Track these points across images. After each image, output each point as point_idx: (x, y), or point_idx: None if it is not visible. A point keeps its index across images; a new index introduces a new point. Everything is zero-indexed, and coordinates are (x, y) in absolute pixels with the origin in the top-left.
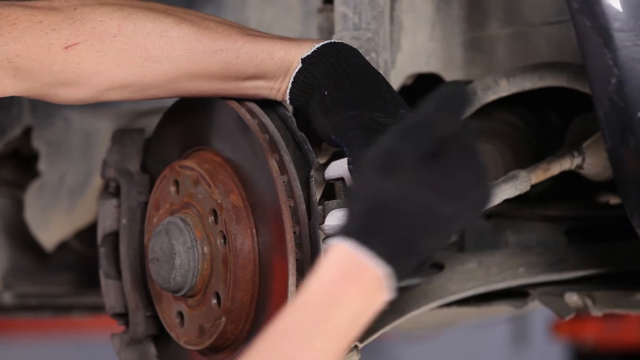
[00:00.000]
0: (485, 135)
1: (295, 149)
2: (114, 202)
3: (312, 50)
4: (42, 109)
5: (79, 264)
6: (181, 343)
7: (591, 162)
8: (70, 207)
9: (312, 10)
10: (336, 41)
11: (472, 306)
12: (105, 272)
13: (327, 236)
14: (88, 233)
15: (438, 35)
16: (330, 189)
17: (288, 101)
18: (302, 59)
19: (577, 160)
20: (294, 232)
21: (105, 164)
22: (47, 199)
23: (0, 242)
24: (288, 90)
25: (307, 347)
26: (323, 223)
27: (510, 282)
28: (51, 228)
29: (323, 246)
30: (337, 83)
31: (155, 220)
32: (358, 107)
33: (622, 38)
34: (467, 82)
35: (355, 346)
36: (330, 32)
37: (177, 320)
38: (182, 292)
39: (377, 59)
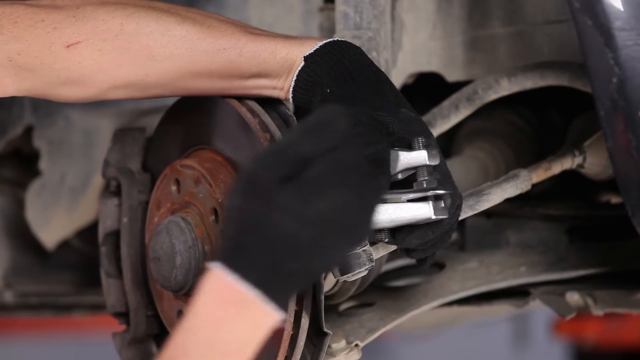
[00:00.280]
0: (486, 134)
1: None
2: (115, 201)
3: (315, 48)
4: (43, 108)
5: (80, 263)
6: None
7: (592, 161)
8: (71, 206)
9: (313, 9)
10: (339, 39)
11: (473, 305)
12: (106, 271)
13: None
14: (89, 232)
15: (439, 34)
16: None
17: (291, 99)
18: (304, 56)
19: (578, 160)
20: None
21: (106, 163)
22: (48, 198)
23: (1, 241)
24: (291, 89)
25: None
26: None
27: (511, 282)
28: (52, 227)
29: None
30: (340, 81)
31: (156, 219)
32: (360, 104)
33: (623, 37)
34: (341, 107)
35: (356, 345)
36: (331, 31)
37: (178, 319)
38: (183, 291)
39: (378, 58)
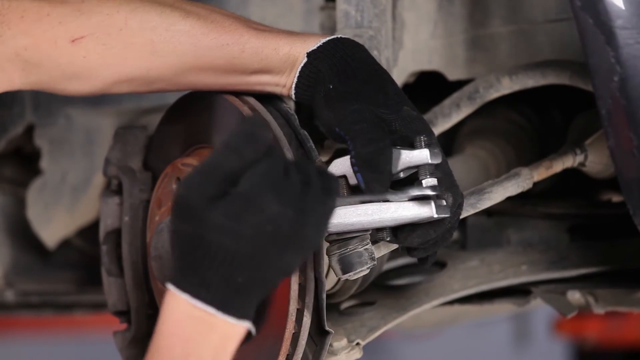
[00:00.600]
0: (488, 133)
1: (297, 146)
2: (116, 199)
3: (318, 45)
4: (44, 107)
5: (81, 261)
6: None
7: (593, 159)
8: (72, 205)
9: (314, 8)
10: (342, 36)
11: (474, 304)
12: (108, 269)
13: (329, 234)
14: (90, 231)
15: (440, 33)
16: None
17: (293, 96)
18: (307, 53)
19: (580, 158)
20: None
21: (107, 162)
22: (49, 197)
23: (3, 240)
24: (293, 85)
25: None
26: None
27: (512, 280)
28: (53, 226)
29: (324, 244)
30: (343, 77)
31: (157, 217)
32: (363, 102)
33: (624, 36)
34: (259, 117)
35: (357, 343)
36: (332, 30)
37: None
38: None
39: (380, 57)
